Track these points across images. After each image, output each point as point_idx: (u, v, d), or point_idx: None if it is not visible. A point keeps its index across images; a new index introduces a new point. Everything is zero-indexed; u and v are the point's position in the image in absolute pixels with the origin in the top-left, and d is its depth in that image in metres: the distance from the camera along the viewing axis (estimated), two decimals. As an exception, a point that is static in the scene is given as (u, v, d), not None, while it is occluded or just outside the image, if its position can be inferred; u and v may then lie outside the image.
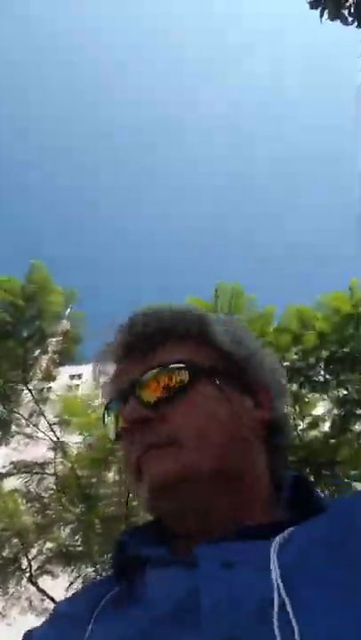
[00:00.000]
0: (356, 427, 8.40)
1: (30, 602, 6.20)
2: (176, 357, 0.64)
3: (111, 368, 0.69)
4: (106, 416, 0.68)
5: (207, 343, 0.67)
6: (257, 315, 8.84)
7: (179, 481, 0.58)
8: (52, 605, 6.16)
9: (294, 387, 8.44)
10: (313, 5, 4.76)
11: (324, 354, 8.72)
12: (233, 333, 0.70)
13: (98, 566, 6.31)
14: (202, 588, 0.47)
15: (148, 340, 0.66)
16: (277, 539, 0.51)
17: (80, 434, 7.08)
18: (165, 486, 0.58)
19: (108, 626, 0.53)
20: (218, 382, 0.64)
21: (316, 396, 8.55)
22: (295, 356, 8.59)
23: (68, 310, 8.79)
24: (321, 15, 4.73)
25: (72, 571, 6.40)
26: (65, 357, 8.46)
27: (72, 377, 8.31)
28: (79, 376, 8.04)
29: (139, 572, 0.57)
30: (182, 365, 0.64)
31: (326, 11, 4.73)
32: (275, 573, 0.47)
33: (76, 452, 6.94)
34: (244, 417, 0.65)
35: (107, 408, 0.68)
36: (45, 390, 7.97)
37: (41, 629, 0.62)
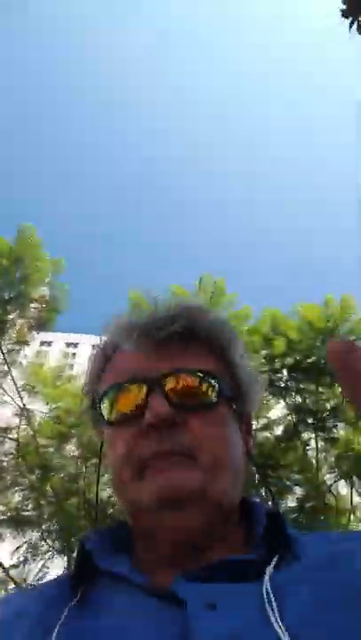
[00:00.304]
0: (305, 435, 8.86)
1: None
2: (208, 367, 0.62)
3: (123, 349, 0.65)
4: (102, 398, 0.64)
5: (228, 360, 0.65)
6: (234, 313, 9.08)
7: (189, 498, 0.56)
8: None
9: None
10: (345, 14, 4.45)
11: (290, 361, 9.08)
12: (244, 352, 0.68)
13: (45, 534, 6.73)
14: (192, 632, 0.45)
15: (177, 336, 0.63)
16: (265, 583, 0.50)
17: (46, 404, 7.31)
18: (174, 499, 0.56)
19: None
20: (235, 407, 0.63)
21: (273, 400, 8.96)
22: (263, 360, 8.91)
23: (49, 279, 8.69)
24: (350, 26, 4.41)
25: (19, 535, 6.74)
26: (42, 325, 8.53)
27: (42, 343, 8.39)
28: (49, 344, 8.13)
29: (103, 585, 0.56)
30: (214, 380, 0.61)
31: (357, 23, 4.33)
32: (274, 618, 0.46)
33: (39, 421, 7.19)
34: (241, 445, 0.64)
35: (106, 391, 0.63)
36: (17, 355, 8.07)
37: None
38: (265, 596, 0.49)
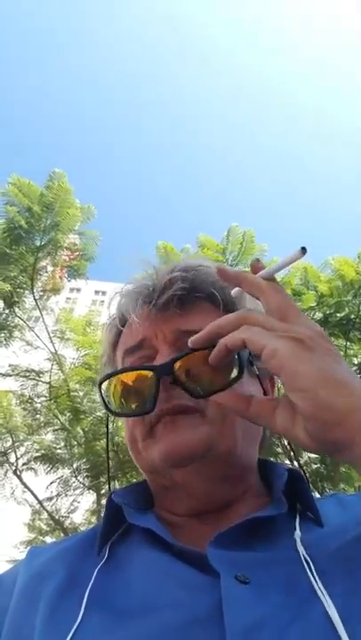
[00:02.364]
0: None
1: (13, 491, 7.05)
2: (201, 325, 0.56)
3: (129, 321, 0.64)
4: (109, 383, 0.61)
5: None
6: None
7: (197, 454, 0.57)
8: (30, 497, 7.00)
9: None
10: None
11: (319, 315, 9.00)
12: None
13: (75, 472, 7.10)
14: (226, 608, 0.44)
15: (178, 299, 0.62)
16: (301, 554, 0.50)
17: (77, 350, 7.52)
18: (181, 458, 0.57)
19: (105, 620, 0.48)
20: (255, 371, 0.62)
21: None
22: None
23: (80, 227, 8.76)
24: None
25: (52, 471, 7.14)
26: (73, 273, 8.61)
27: (72, 290, 8.52)
28: (78, 290, 8.26)
29: (131, 542, 0.57)
30: (235, 357, 0.57)
31: None
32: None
33: (70, 367, 7.43)
34: None
35: (114, 374, 0.61)
36: (49, 302, 8.23)
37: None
38: (305, 565, 0.48)
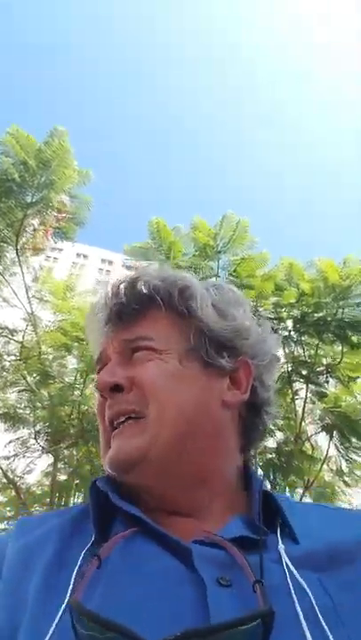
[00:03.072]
0: (296, 385, 9.10)
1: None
2: (146, 333, 0.64)
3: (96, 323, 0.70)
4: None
5: (188, 316, 0.65)
6: (251, 256, 8.98)
7: (135, 460, 0.58)
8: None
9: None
10: None
11: (296, 312, 9.13)
12: (220, 301, 0.67)
13: (36, 435, 7.16)
14: (212, 607, 0.46)
15: (128, 308, 0.65)
16: (284, 562, 0.51)
17: (54, 313, 7.46)
18: (123, 465, 0.59)
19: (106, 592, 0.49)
20: (184, 360, 0.63)
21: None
22: (271, 306, 8.94)
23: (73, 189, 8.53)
24: None
25: (12, 430, 7.16)
26: (60, 235, 8.48)
27: (53, 249, 8.41)
28: (59, 250, 8.15)
29: (117, 528, 0.57)
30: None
31: None
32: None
33: (45, 329, 7.38)
34: (211, 399, 0.63)
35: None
36: (31, 260, 8.10)
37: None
38: (287, 574, 0.50)
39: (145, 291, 0.65)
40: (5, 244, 7.81)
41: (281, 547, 0.54)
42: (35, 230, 8.21)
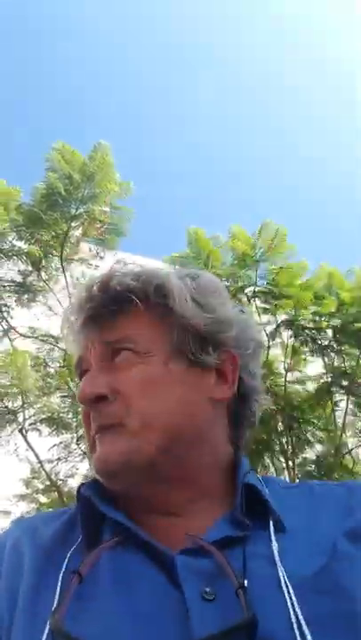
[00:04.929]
0: (336, 396, 8.96)
1: (16, 448, 7.32)
2: (126, 335, 0.62)
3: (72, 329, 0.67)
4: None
5: (168, 314, 0.63)
6: (290, 265, 8.95)
7: (118, 468, 0.59)
8: (32, 455, 7.25)
9: (297, 342, 8.79)
10: None
11: (337, 322, 9.03)
12: (199, 293, 0.65)
13: (78, 439, 7.33)
14: (193, 620, 0.46)
15: (104, 310, 0.63)
16: (279, 569, 0.51)
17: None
18: (106, 472, 0.60)
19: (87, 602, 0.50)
20: (168, 362, 0.61)
21: (313, 357, 9.03)
22: (310, 316, 8.88)
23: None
24: None
25: (55, 434, 7.39)
26: (103, 246, 8.71)
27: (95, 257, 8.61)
28: (101, 257, 8.32)
29: (103, 532, 0.58)
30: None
31: None
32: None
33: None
34: (199, 399, 0.62)
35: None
36: (74, 270, 8.35)
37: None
38: (283, 584, 0.49)
39: (120, 290, 0.62)
40: (51, 255, 8.07)
41: (273, 539, 0.55)
42: (79, 241, 8.44)
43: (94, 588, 0.52)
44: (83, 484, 0.64)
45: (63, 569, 0.54)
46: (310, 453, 8.70)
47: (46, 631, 0.48)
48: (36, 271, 7.94)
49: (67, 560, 0.56)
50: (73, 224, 8.26)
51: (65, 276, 7.98)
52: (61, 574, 0.54)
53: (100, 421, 0.61)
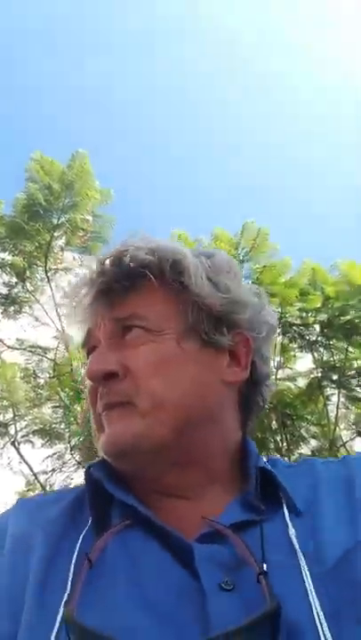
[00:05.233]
0: (328, 390, 9.02)
1: (10, 461, 7.29)
2: (139, 311, 0.60)
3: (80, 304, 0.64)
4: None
5: (183, 291, 0.61)
6: (273, 263, 9.00)
7: (128, 449, 0.57)
8: (26, 468, 7.22)
9: (285, 339, 8.84)
10: None
11: (323, 317, 9.09)
12: (214, 272, 0.63)
13: (72, 449, 7.32)
14: (211, 614, 0.45)
15: (117, 285, 0.60)
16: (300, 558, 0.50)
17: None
18: (115, 453, 0.58)
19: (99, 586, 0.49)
20: (181, 341, 0.60)
21: (302, 353, 9.07)
22: (297, 312, 8.92)
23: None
24: None
25: (48, 445, 7.36)
26: (86, 254, 8.69)
27: (81, 266, 8.62)
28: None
29: (113, 515, 0.56)
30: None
31: None
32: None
33: (75, 346, 7.55)
34: (211, 380, 0.61)
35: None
36: (60, 280, 8.33)
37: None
38: (303, 570, 0.48)
39: (133, 265, 0.60)
40: (35, 266, 8.05)
41: (289, 524, 0.54)
42: (62, 250, 8.43)
43: (106, 575, 0.50)
44: (91, 466, 0.62)
45: (75, 553, 0.53)
46: (305, 449, 8.73)
47: (59, 618, 0.47)
48: (21, 282, 7.90)
49: (79, 544, 0.54)
50: (55, 234, 8.22)
51: (50, 287, 7.96)
52: (74, 559, 0.52)
53: (109, 399, 0.59)
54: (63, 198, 8.32)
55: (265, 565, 0.48)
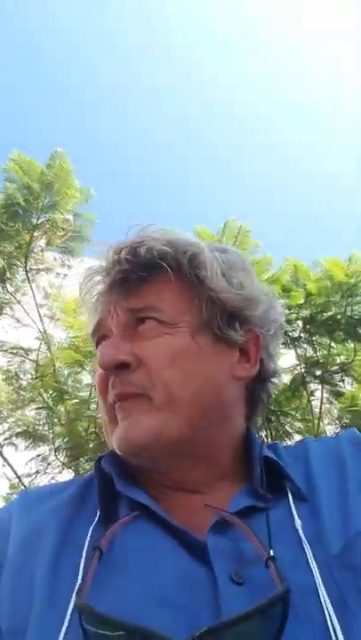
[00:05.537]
0: (311, 386, 9.10)
1: (-7, 465, 7.21)
2: (153, 303, 0.60)
3: (93, 294, 0.64)
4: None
5: (199, 285, 0.61)
6: (255, 260, 9.04)
7: (143, 445, 0.56)
8: (9, 471, 7.14)
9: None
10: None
11: (305, 313, 9.15)
12: (229, 268, 0.63)
13: (56, 451, 7.24)
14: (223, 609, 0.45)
15: (132, 275, 0.60)
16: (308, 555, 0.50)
17: (66, 331, 7.59)
18: (130, 451, 0.57)
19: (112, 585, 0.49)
20: (195, 335, 0.59)
21: (285, 349, 9.13)
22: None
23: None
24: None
25: (32, 447, 7.29)
26: (67, 253, 8.64)
27: (62, 265, 8.55)
28: (69, 267, 8.26)
29: (122, 510, 0.56)
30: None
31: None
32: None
33: (58, 347, 7.51)
34: (223, 375, 0.60)
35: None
36: (40, 280, 8.27)
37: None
38: (312, 566, 0.49)
39: (150, 257, 0.59)
40: (15, 266, 7.97)
41: (293, 511, 0.55)
42: (42, 250, 8.36)
43: (117, 565, 0.50)
44: (101, 457, 0.62)
45: (86, 544, 0.53)
46: (290, 444, 8.72)
47: (70, 608, 0.47)
48: (1, 283, 7.81)
49: (89, 535, 0.54)
50: (35, 234, 8.14)
51: (31, 287, 7.88)
52: (84, 550, 0.52)
53: (123, 389, 0.58)
54: (43, 198, 8.24)
55: (272, 551, 0.48)
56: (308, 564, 0.49)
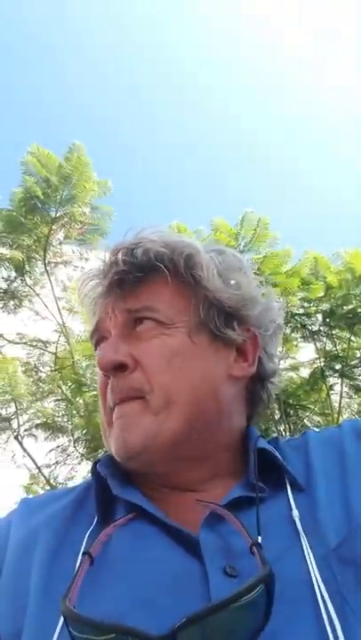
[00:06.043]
0: (331, 380, 9.01)
1: (13, 455, 7.31)
2: (151, 304, 0.60)
3: (92, 296, 0.65)
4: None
5: (195, 286, 0.61)
6: (274, 253, 8.95)
7: (140, 449, 0.56)
8: (29, 462, 7.23)
9: (288, 329, 8.81)
10: None
11: (326, 306, 9.06)
12: (226, 269, 0.64)
13: (75, 442, 7.33)
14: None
15: (129, 276, 0.60)
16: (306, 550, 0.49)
17: (84, 323, 7.63)
18: (126, 456, 0.57)
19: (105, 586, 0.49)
20: (192, 335, 0.60)
21: (304, 343, 9.05)
22: (298, 302, 8.88)
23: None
24: None
25: (52, 438, 7.37)
26: (85, 246, 8.67)
27: (80, 258, 8.55)
28: (86, 259, 8.28)
29: (119, 512, 0.57)
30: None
31: None
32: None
33: (76, 339, 7.57)
34: (221, 375, 0.61)
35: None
36: (59, 273, 8.33)
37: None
38: (309, 561, 0.48)
39: (147, 258, 0.60)
40: (34, 259, 8.03)
41: (291, 500, 0.55)
42: (60, 243, 8.40)
43: (107, 568, 0.51)
44: (98, 462, 0.62)
45: (82, 550, 0.53)
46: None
47: (62, 616, 0.47)
48: (20, 276, 7.88)
49: (85, 539, 0.54)
50: (54, 227, 8.14)
51: (50, 280, 7.94)
52: (80, 556, 0.52)
53: (121, 394, 0.59)
54: (61, 191, 8.26)
55: (260, 538, 0.48)
56: (303, 554, 0.49)
